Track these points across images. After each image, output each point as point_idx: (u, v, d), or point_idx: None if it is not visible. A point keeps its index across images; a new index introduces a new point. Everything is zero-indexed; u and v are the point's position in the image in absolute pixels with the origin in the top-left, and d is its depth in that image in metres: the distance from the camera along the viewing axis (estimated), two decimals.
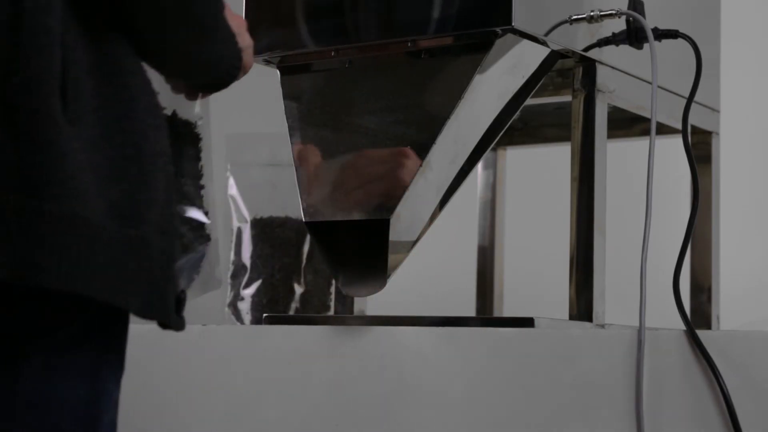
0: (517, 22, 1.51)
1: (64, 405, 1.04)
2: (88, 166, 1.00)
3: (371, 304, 1.78)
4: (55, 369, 1.04)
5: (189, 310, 1.15)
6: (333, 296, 1.99)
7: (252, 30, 1.29)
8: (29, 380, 1.02)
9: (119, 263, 1.01)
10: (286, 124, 1.63)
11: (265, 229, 1.99)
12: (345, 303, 1.78)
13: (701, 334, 1.43)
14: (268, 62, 1.69)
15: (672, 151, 1.84)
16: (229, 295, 1.99)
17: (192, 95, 1.27)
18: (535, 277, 2.43)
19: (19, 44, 0.98)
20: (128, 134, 1.05)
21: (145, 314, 1.05)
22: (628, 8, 1.63)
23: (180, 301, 1.10)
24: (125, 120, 1.05)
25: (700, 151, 1.91)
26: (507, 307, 2.14)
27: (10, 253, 0.95)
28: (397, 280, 1.55)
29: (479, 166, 2.06)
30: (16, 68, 0.97)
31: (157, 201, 1.05)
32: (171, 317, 1.08)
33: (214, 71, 1.22)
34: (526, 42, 1.56)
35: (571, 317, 1.61)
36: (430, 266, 2.33)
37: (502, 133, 1.60)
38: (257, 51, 1.67)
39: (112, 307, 1.04)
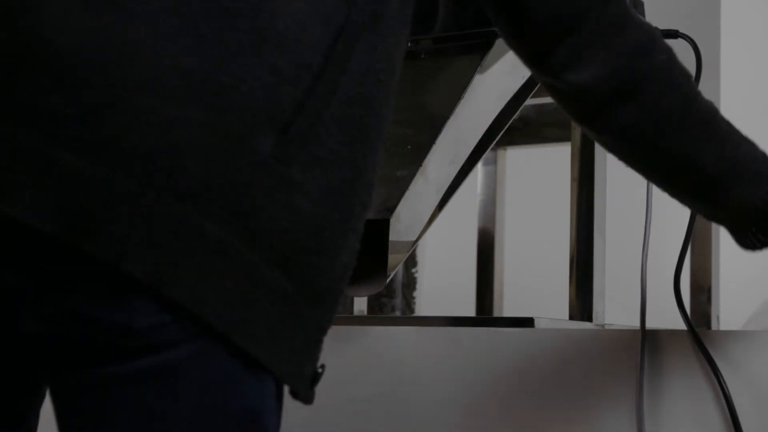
0: None
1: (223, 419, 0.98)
2: (280, 208, 0.96)
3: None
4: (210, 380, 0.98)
5: None
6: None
7: None
8: (185, 395, 0.97)
9: (262, 308, 0.96)
10: None
11: None
12: (345, 303, 1.78)
13: (701, 334, 1.43)
14: None
15: None
16: None
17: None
18: (535, 277, 2.43)
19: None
20: (337, 199, 1.00)
21: (280, 376, 1.00)
22: None
23: (316, 376, 1.04)
24: (341, 184, 1.00)
25: None
26: (507, 307, 2.14)
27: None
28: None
29: (479, 165, 2.06)
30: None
31: (327, 271, 1.00)
32: (302, 388, 1.02)
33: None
34: None
35: (571, 317, 1.61)
36: (431, 266, 2.33)
37: (502, 133, 1.60)
38: None
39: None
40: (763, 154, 1.21)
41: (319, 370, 1.04)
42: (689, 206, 1.27)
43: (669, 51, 1.17)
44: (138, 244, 0.91)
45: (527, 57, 1.18)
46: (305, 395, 1.03)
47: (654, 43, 1.17)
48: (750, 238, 1.23)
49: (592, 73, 1.13)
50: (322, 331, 1.02)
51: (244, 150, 0.94)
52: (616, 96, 1.13)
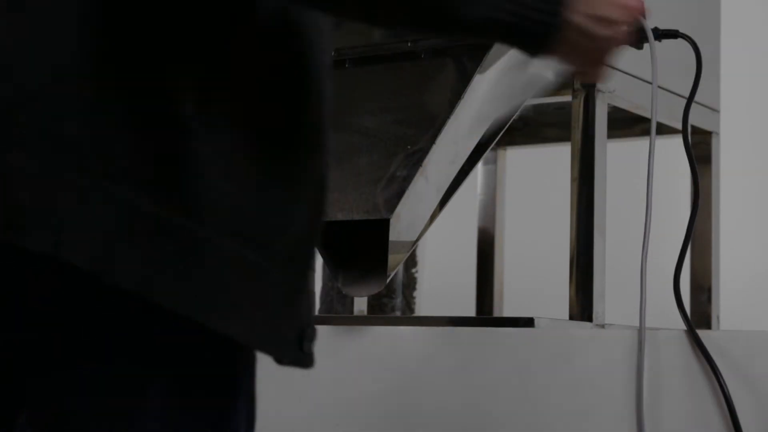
0: None
1: None
2: (218, 176, 0.92)
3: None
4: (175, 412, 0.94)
5: None
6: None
7: None
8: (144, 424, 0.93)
9: (227, 285, 0.93)
10: None
11: None
12: (345, 303, 1.78)
13: (701, 334, 1.43)
14: None
15: (672, 151, 1.84)
16: None
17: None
18: (535, 277, 2.43)
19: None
20: (282, 151, 0.96)
21: (253, 344, 0.96)
22: None
23: (304, 336, 0.99)
24: (281, 135, 0.96)
25: (700, 151, 1.91)
26: (507, 307, 2.14)
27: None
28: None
29: (479, 165, 2.06)
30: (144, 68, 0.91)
31: (291, 229, 0.97)
32: (286, 352, 0.98)
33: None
34: None
35: (571, 317, 1.61)
36: (431, 266, 2.33)
37: (502, 133, 1.60)
38: None
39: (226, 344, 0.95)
40: None
41: (308, 330, 0.99)
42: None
43: None
44: (75, 231, 0.88)
45: None
46: (297, 359, 0.99)
47: None
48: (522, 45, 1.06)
49: None
50: (301, 292, 0.98)
51: (166, 119, 0.91)
52: None
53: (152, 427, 0.93)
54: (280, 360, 0.99)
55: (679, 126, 1.63)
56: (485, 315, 2.06)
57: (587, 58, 1.09)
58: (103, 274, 0.88)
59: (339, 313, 1.88)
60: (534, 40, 1.03)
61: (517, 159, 2.21)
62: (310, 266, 0.99)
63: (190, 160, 0.90)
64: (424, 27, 1.06)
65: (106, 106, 0.89)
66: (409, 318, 2.00)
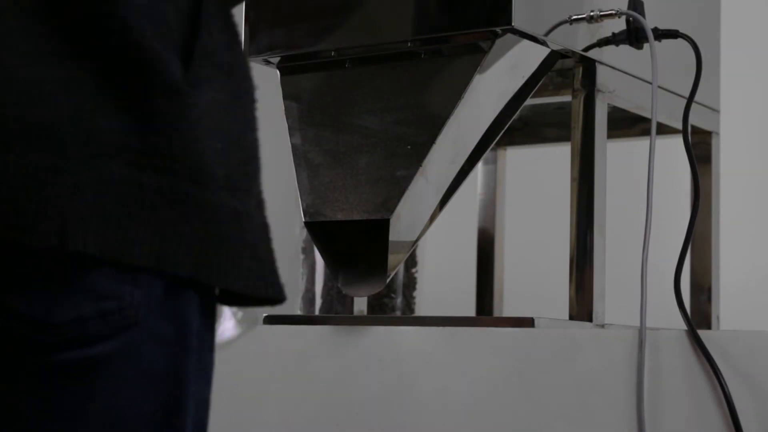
0: (517, 22, 1.51)
1: (140, 417, 0.92)
2: (207, 134, 0.91)
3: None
4: (126, 377, 0.91)
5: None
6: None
7: (252, 30, 1.28)
8: (101, 394, 0.90)
9: (223, 239, 0.91)
10: (286, 124, 1.63)
11: None
12: (345, 303, 1.78)
13: (702, 334, 1.43)
14: (268, 62, 1.69)
15: (672, 151, 1.84)
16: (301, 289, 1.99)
17: None
18: (535, 277, 2.43)
19: None
20: (248, 98, 0.96)
21: (258, 291, 0.94)
22: (628, 8, 1.63)
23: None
24: (248, 82, 0.96)
25: (700, 151, 1.91)
26: (507, 307, 2.14)
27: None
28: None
29: (479, 165, 2.06)
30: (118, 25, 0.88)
31: (258, 174, 0.97)
32: (282, 291, 0.97)
33: None
34: (526, 42, 1.56)
35: (571, 317, 1.61)
36: (430, 266, 2.33)
37: (502, 133, 1.60)
38: (257, 51, 1.68)
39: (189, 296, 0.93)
40: None
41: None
42: None
43: None
44: (78, 220, 0.86)
45: None
46: (282, 297, 0.98)
47: None
48: None
49: None
50: (269, 232, 0.98)
51: (154, 86, 0.89)
52: None
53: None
54: (268, 301, 0.97)
55: (679, 126, 1.63)
56: (485, 315, 2.06)
57: None
58: (121, 257, 0.86)
59: (339, 313, 1.88)
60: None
61: (517, 159, 2.21)
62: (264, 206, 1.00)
63: (182, 124, 0.89)
64: None
65: (81, 81, 0.87)
66: (409, 318, 2.00)
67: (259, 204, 0.97)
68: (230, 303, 0.98)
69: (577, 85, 1.65)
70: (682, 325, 1.46)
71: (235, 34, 0.98)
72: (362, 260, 1.53)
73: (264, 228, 0.97)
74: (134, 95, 0.88)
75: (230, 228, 0.92)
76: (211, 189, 0.91)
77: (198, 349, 0.96)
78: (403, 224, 1.51)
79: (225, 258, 0.92)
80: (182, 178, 0.89)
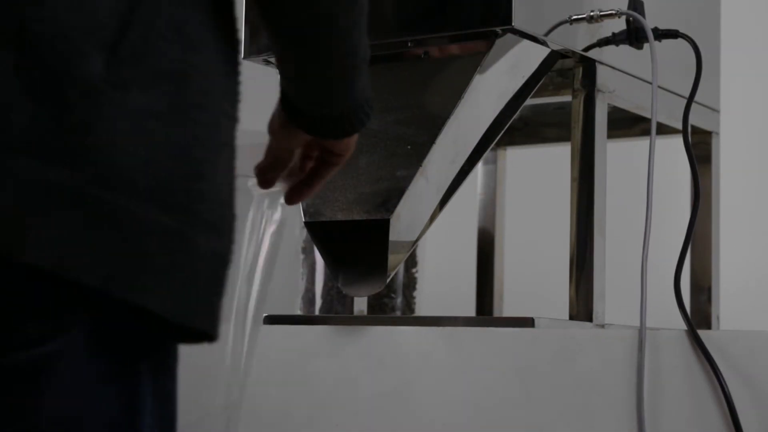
0: (517, 22, 1.51)
1: (93, 419, 0.90)
2: (129, 139, 0.86)
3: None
4: (80, 379, 0.89)
5: None
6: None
7: (252, 30, 1.27)
8: (51, 395, 0.88)
9: (143, 253, 0.87)
10: None
11: None
12: (345, 303, 1.78)
13: (702, 334, 1.43)
14: (267, 62, 1.69)
15: (672, 151, 1.84)
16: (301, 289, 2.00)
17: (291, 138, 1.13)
18: (535, 277, 2.43)
19: None
20: (204, 115, 0.91)
21: (180, 319, 0.90)
22: (628, 8, 1.63)
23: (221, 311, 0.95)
24: (206, 97, 0.92)
25: (700, 151, 1.91)
26: (507, 307, 2.14)
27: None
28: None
29: (479, 165, 2.06)
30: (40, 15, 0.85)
31: (211, 196, 0.92)
32: (213, 327, 0.92)
33: (355, 101, 1.09)
34: (526, 42, 1.56)
35: (571, 317, 1.61)
36: (430, 266, 2.33)
37: (502, 133, 1.60)
38: (257, 51, 1.67)
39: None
40: None
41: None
42: (305, 79, 1.12)
43: None
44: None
45: None
46: (214, 334, 0.93)
47: None
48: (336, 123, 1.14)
49: None
50: (225, 264, 0.93)
51: (71, 81, 0.85)
52: None
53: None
54: (202, 337, 0.93)
55: (679, 126, 1.63)
56: (485, 315, 2.06)
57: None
58: (19, 255, 0.83)
59: (339, 313, 1.88)
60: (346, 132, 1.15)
61: (517, 159, 2.21)
62: (232, 238, 0.95)
63: (99, 123, 0.85)
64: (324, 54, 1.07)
65: None
66: (409, 318, 2.00)
67: (213, 230, 0.92)
68: (153, 330, 0.92)
69: (577, 85, 1.65)
70: (682, 325, 1.46)
71: (200, 45, 0.93)
72: (362, 260, 1.53)
73: (214, 257, 0.92)
74: (49, 88, 0.85)
75: (154, 244, 0.88)
76: (126, 196, 0.86)
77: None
78: (403, 224, 1.51)
79: (143, 273, 0.87)
80: (91, 180, 0.85)
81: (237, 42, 0.99)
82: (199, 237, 0.90)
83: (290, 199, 1.24)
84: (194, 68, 0.91)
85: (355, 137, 1.18)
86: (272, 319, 1.72)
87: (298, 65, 1.08)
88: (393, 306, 2.07)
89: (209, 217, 0.91)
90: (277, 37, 1.06)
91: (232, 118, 0.96)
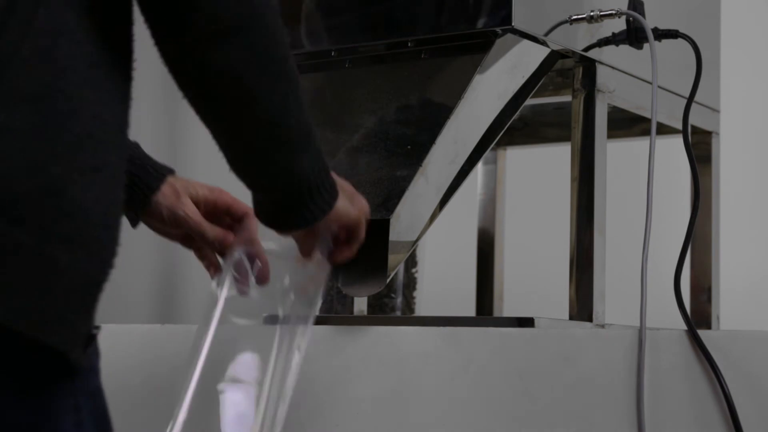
0: (517, 22, 1.51)
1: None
2: None
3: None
4: None
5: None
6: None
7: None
8: None
9: None
10: None
11: None
12: (345, 303, 1.78)
13: (702, 334, 1.43)
14: None
15: (672, 151, 1.84)
16: None
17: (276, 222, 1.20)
18: (535, 277, 2.43)
19: None
20: (56, 134, 0.92)
21: (24, 328, 0.90)
22: (628, 8, 1.63)
23: (91, 337, 0.96)
24: (60, 117, 0.93)
25: (700, 151, 1.91)
26: (507, 307, 2.14)
27: None
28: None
29: (479, 165, 2.06)
30: None
31: (75, 214, 0.93)
32: (73, 347, 0.94)
33: (285, 186, 1.15)
34: (526, 42, 1.56)
35: (571, 317, 1.61)
36: (431, 266, 2.33)
37: (502, 133, 1.60)
38: None
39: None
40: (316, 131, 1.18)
41: (94, 331, 0.97)
42: (245, 171, 1.16)
43: (273, 6, 1.07)
44: None
45: None
46: (77, 357, 0.95)
47: None
48: (288, 213, 1.20)
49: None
50: (93, 284, 0.95)
51: None
52: (216, 34, 1.02)
53: None
54: (63, 354, 0.94)
55: (679, 126, 1.63)
56: (485, 315, 2.06)
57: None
58: None
59: (339, 313, 1.88)
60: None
61: (517, 159, 2.21)
62: (108, 261, 0.96)
63: None
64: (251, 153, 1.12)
65: None
66: (409, 318, 2.00)
67: (79, 248, 0.93)
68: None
69: (577, 85, 1.65)
70: (682, 325, 1.46)
71: (68, 70, 0.94)
72: (362, 260, 1.53)
73: (78, 275, 0.93)
74: None
75: (3, 257, 0.89)
76: None
77: None
78: (403, 224, 1.51)
79: None
80: None
81: (122, 67, 1.00)
82: (58, 253, 0.91)
83: (333, 261, 1.37)
84: (59, 91, 0.93)
85: (344, 214, 1.26)
86: (272, 319, 1.72)
87: (216, 136, 1.11)
88: (393, 306, 2.07)
89: (73, 234, 0.92)
90: (188, 98, 1.07)
91: (104, 141, 0.96)
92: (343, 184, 1.24)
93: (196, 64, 1.02)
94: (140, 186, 1.30)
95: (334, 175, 1.21)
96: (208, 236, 1.34)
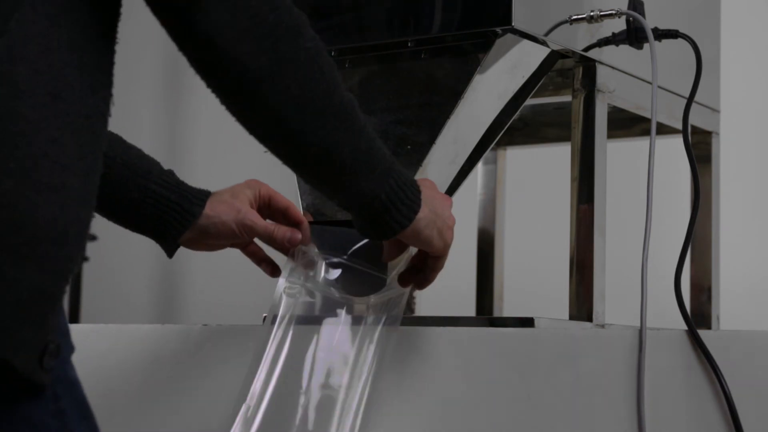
0: (517, 22, 1.51)
1: None
2: None
3: None
4: None
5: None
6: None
7: None
8: None
9: None
10: None
11: None
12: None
13: (702, 334, 1.43)
14: None
15: (672, 151, 1.84)
16: None
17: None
18: (535, 277, 2.43)
19: None
20: (10, 152, 0.95)
21: None
22: (628, 8, 1.63)
23: (47, 351, 0.97)
24: (14, 137, 0.95)
25: (700, 151, 1.91)
26: (507, 307, 2.14)
27: None
28: None
29: (479, 165, 2.06)
30: None
31: (25, 229, 0.94)
32: (23, 362, 0.94)
33: (356, 206, 1.25)
34: (526, 42, 1.56)
35: (571, 317, 1.61)
36: None
37: (502, 133, 1.60)
38: None
39: None
40: (388, 151, 1.26)
41: (51, 345, 0.97)
42: (322, 192, 1.33)
43: (316, 39, 1.15)
44: None
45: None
46: (33, 373, 0.96)
47: (302, 27, 1.14)
48: (370, 228, 1.30)
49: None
50: (44, 298, 0.96)
51: None
52: (247, 84, 1.09)
53: None
54: (7, 363, 0.95)
55: (679, 126, 1.63)
56: (485, 315, 2.06)
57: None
58: None
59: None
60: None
61: (517, 159, 2.21)
62: (63, 276, 0.97)
63: None
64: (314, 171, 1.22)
65: None
66: (409, 318, 2.00)
67: (30, 263, 0.94)
68: None
69: (577, 85, 1.65)
70: (682, 325, 1.46)
71: (25, 95, 0.96)
72: (362, 260, 1.53)
73: (26, 289, 0.94)
74: None
75: None
76: None
77: None
78: None
79: None
80: None
81: (99, 87, 1.02)
82: (6, 266, 0.92)
83: (402, 281, 1.46)
84: (16, 114, 0.94)
85: (425, 236, 1.36)
86: (272, 319, 1.72)
87: (296, 172, 1.24)
88: None
89: (22, 248, 0.93)
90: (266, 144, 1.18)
91: (61, 164, 0.97)
92: (440, 214, 1.36)
93: (236, 111, 1.11)
94: (179, 212, 1.37)
95: (437, 203, 1.33)
96: (277, 237, 1.43)
